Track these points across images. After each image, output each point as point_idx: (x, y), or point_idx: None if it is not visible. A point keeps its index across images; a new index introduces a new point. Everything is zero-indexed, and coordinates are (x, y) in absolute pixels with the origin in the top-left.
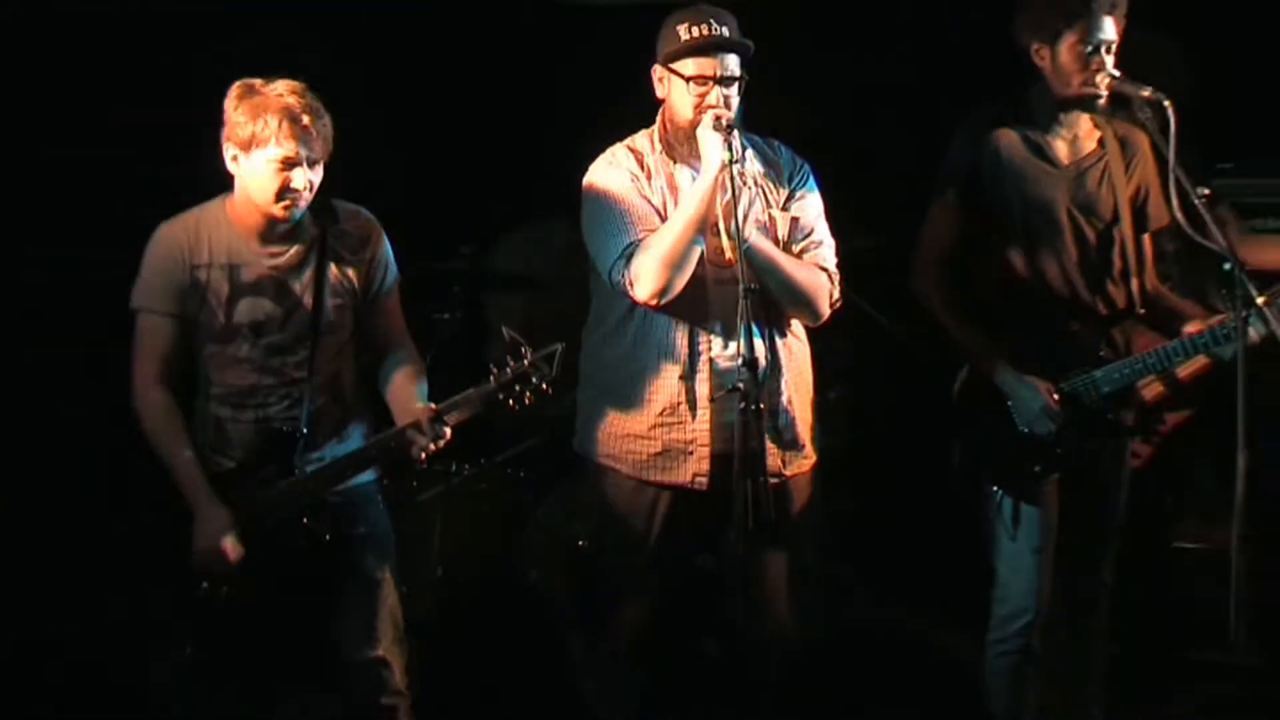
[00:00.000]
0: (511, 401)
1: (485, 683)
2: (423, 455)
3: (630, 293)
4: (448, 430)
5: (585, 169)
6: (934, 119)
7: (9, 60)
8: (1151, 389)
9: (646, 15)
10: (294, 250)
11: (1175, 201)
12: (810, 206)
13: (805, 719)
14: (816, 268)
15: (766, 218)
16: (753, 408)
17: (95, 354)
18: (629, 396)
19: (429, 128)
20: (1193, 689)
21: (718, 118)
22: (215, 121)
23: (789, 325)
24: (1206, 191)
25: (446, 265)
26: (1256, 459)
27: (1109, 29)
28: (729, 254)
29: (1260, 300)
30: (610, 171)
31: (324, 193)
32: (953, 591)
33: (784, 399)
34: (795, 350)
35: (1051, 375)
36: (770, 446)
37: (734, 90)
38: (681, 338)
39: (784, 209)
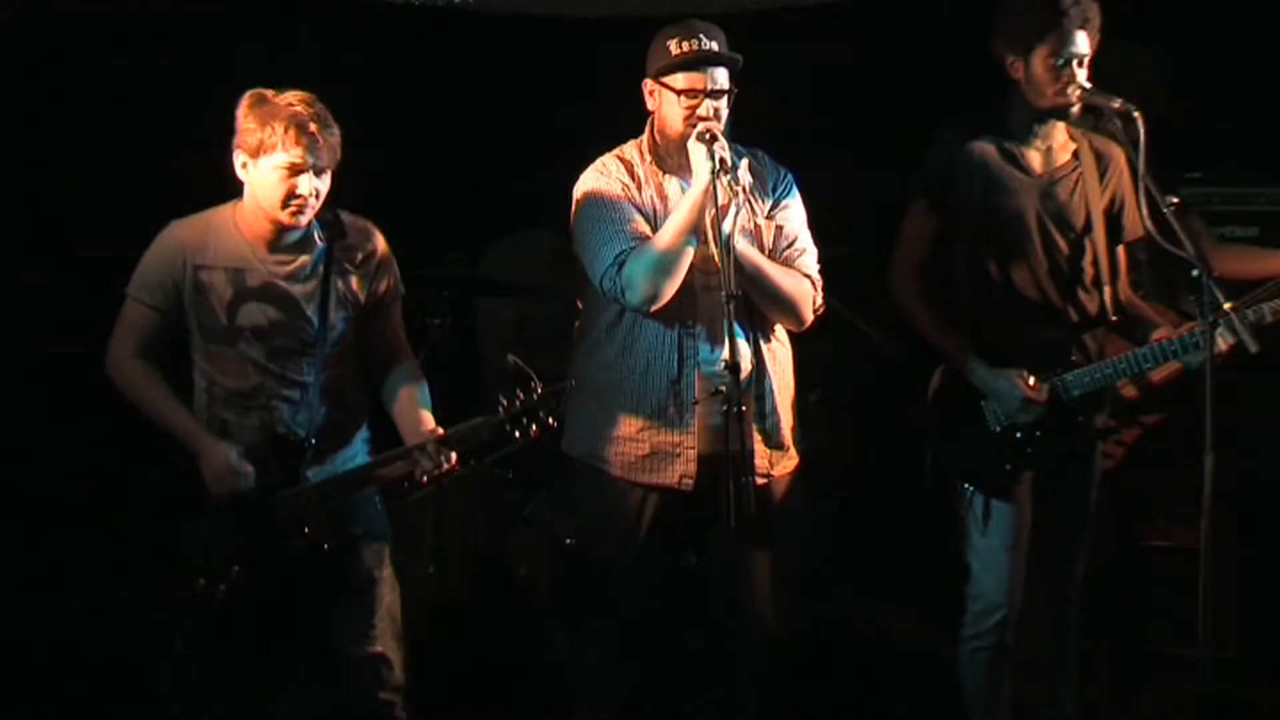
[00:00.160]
0: (518, 434)
1: (476, 678)
2: (425, 478)
3: (622, 300)
4: (454, 456)
5: (572, 178)
6: (912, 129)
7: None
8: (1126, 391)
9: (633, 29)
10: (300, 259)
11: (1145, 210)
12: (794, 215)
13: (787, 714)
14: (801, 275)
15: (753, 226)
16: (735, 410)
17: (95, 355)
18: (618, 399)
19: (419, 136)
20: (1163, 684)
21: (707, 130)
22: (218, 127)
23: (773, 330)
24: (1175, 200)
25: (436, 271)
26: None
27: (1081, 43)
28: (717, 262)
29: (1227, 306)
30: (601, 181)
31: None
32: (928, 589)
33: (770, 402)
34: (779, 355)
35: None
36: (758, 448)
37: (723, 102)
38: (670, 343)
39: (769, 217)
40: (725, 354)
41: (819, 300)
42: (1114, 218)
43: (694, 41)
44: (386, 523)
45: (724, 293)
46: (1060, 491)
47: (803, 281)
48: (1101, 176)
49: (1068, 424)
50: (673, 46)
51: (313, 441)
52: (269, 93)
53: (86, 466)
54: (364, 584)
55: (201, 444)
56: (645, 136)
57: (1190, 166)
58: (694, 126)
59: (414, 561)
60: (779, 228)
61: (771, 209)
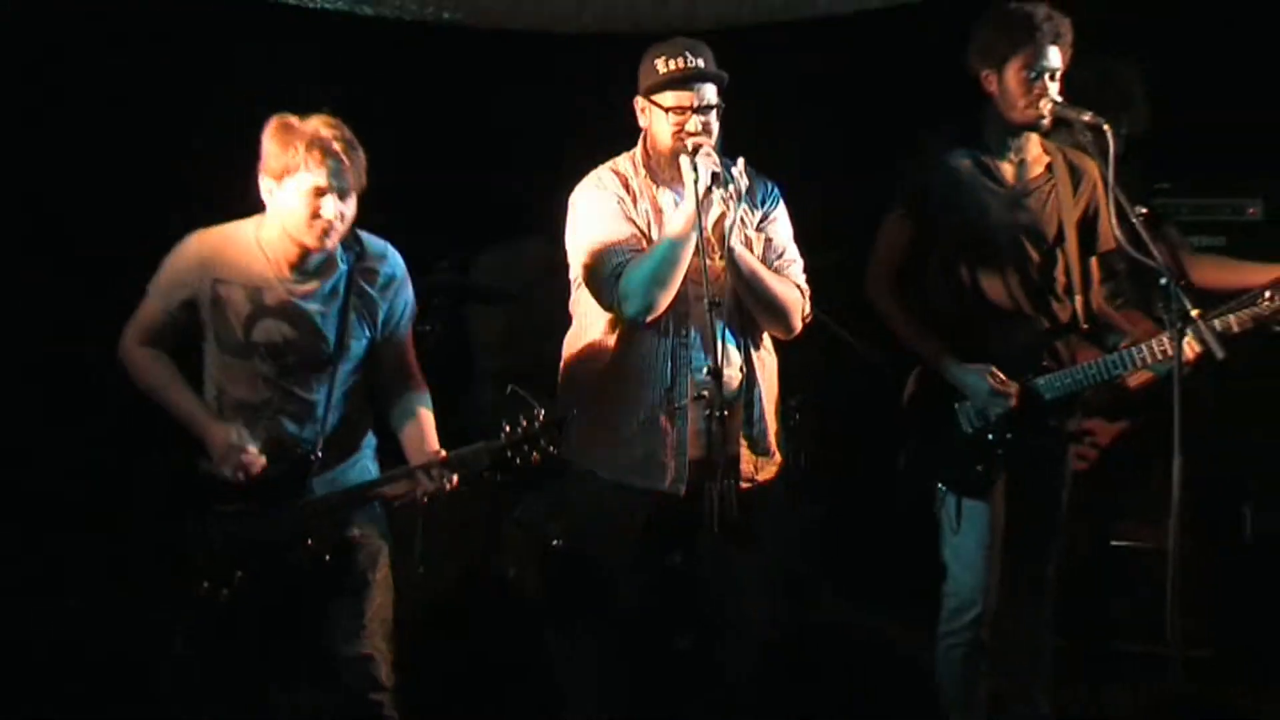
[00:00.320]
0: (519, 460)
1: (466, 677)
2: (425, 498)
3: (619, 310)
4: (455, 478)
5: (556, 188)
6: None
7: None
8: (1103, 395)
9: (618, 44)
10: (320, 280)
11: (1114, 220)
12: (782, 227)
13: (772, 713)
14: (792, 284)
15: (744, 238)
16: (717, 415)
17: (96, 355)
18: (613, 405)
19: (409, 147)
20: (1133, 680)
21: (697, 144)
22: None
23: (762, 339)
24: (1144, 210)
25: (428, 279)
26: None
27: (1053, 57)
28: (718, 263)
29: (1194, 314)
30: (597, 194)
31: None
32: (908, 590)
33: (758, 409)
34: (767, 363)
35: None
36: (745, 453)
37: (712, 117)
38: (664, 351)
39: (758, 229)
40: (710, 360)
41: (807, 309)
42: (1087, 229)
43: (680, 60)
44: (385, 525)
45: (706, 300)
46: (1032, 493)
47: (794, 290)
48: (1075, 189)
49: (1038, 427)
50: (660, 65)
51: (319, 454)
52: (293, 118)
53: (87, 466)
54: (358, 585)
55: (206, 425)
56: (638, 150)
57: (1159, 177)
58: (684, 142)
59: (405, 562)
60: (768, 239)
61: (760, 221)
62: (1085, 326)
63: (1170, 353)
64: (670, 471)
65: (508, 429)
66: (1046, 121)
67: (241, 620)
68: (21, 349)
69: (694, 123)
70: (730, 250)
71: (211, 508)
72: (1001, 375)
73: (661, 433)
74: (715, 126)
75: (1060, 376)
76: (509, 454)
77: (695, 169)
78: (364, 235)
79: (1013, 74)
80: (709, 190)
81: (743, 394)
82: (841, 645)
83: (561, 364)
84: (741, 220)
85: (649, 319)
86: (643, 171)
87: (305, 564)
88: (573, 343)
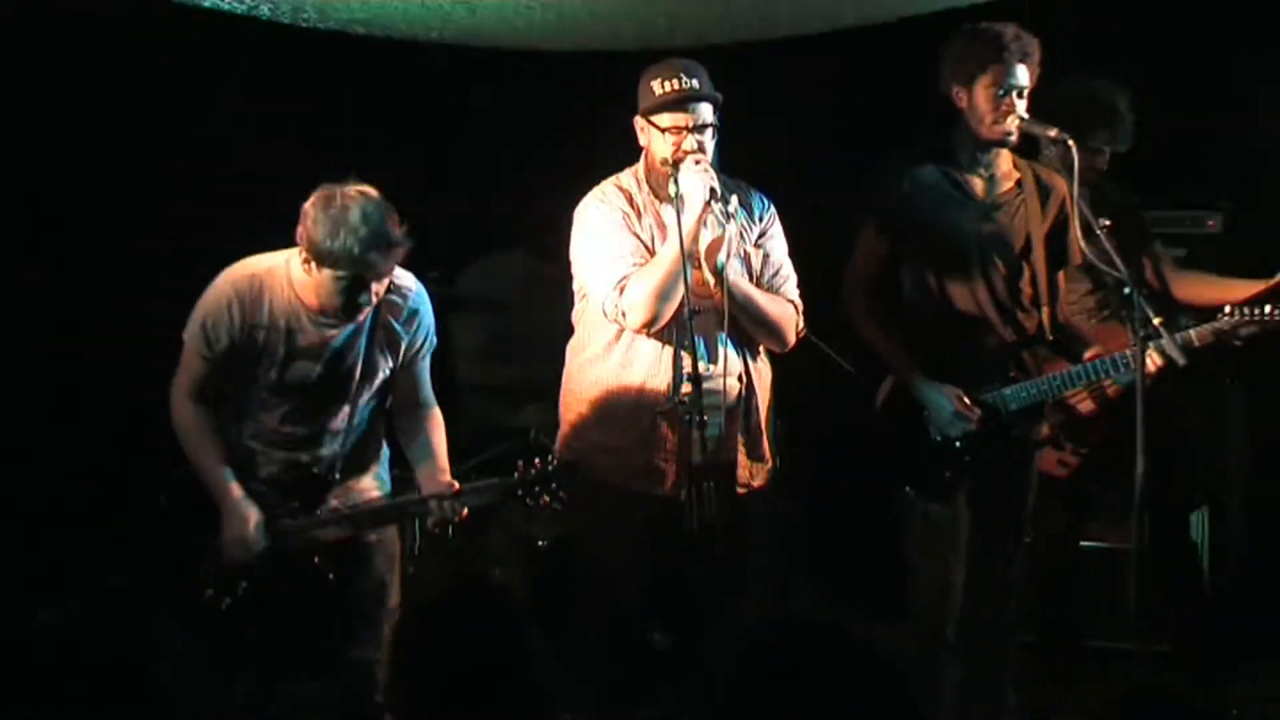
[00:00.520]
0: (529, 500)
1: (451, 675)
2: (435, 527)
3: (623, 322)
4: (465, 510)
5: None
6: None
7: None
8: (1084, 406)
9: (601, 62)
10: (347, 326)
11: (1078, 231)
12: (778, 243)
13: (745, 706)
14: (786, 300)
15: (743, 253)
16: (697, 419)
17: (98, 357)
18: (615, 413)
19: (401, 161)
20: (1099, 676)
21: (690, 159)
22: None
23: (759, 352)
24: (1108, 222)
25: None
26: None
27: (1021, 75)
28: (711, 286)
29: (1157, 322)
30: (603, 209)
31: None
32: (876, 586)
33: (755, 418)
34: (764, 374)
35: (964, 391)
36: (742, 459)
37: (708, 136)
38: (665, 360)
39: (756, 246)
40: (719, 369)
41: (801, 325)
42: (1055, 243)
43: (675, 81)
44: (395, 533)
45: (686, 309)
46: (998, 497)
47: (787, 306)
48: (1043, 204)
49: (1004, 435)
50: (656, 87)
51: (337, 476)
52: (338, 192)
53: (92, 469)
54: (375, 588)
55: (230, 506)
56: (640, 166)
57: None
58: (681, 160)
59: None
60: (765, 255)
61: (759, 237)
62: (1051, 338)
63: (1133, 364)
64: (670, 476)
65: (521, 468)
66: (1014, 138)
67: (244, 627)
68: (21, 350)
69: (690, 142)
70: (724, 276)
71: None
72: (967, 400)
73: (662, 439)
74: (711, 145)
75: (1026, 386)
76: (520, 492)
77: (678, 184)
78: (395, 271)
79: (982, 91)
80: (707, 204)
81: (741, 402)
82: (813, 641)
83: (565, 372)
84: (740, 235)
85: (653, 331)
86: (646, 187)
87: (310, 579)
88: (576, 351)
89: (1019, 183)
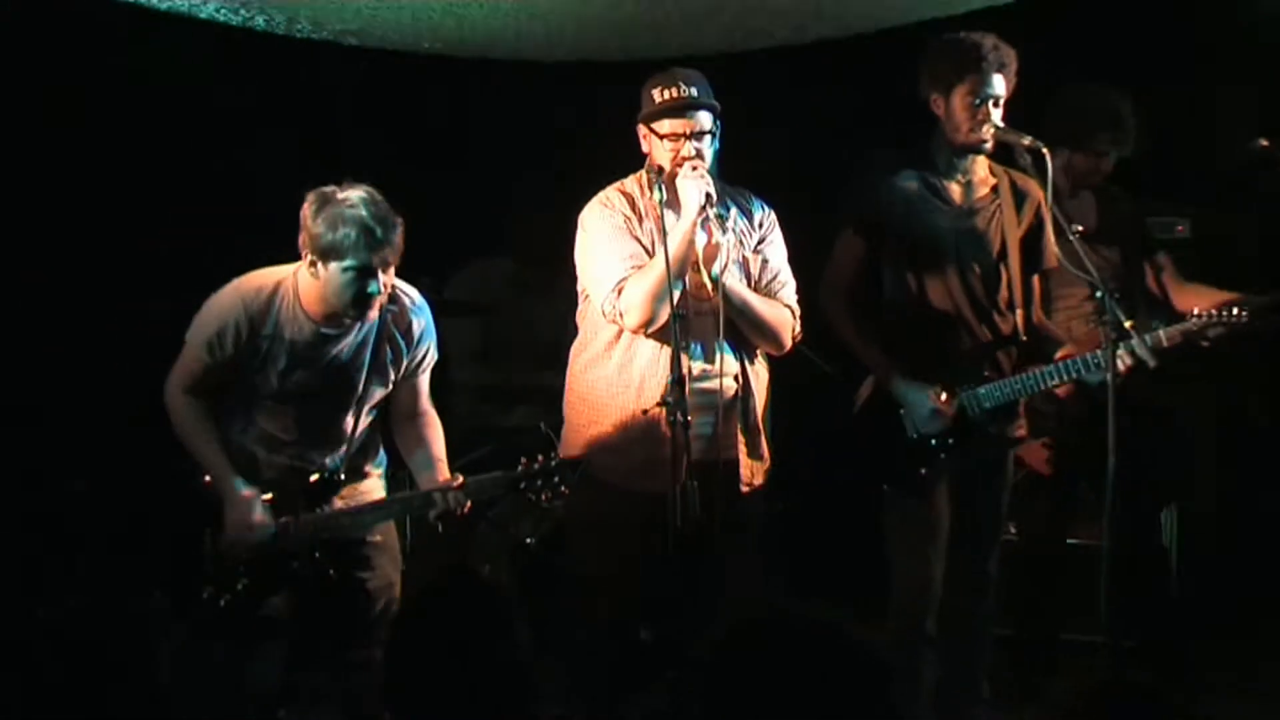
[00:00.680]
0: (531, 494)
1: (442, 668)
2: (437, 520)
3: (620, 323)
4: (468, 504)
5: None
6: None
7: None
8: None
9: (586, 72)
10: (355, 329)
11: (1053, 235)
12: (777, 250)
13: (728, 696)
14: (782, 305)
15: (742, 259)
16: (681, 420)
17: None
18: (615, 412)
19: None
20: (1071, 669)
21: (694, 168)
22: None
23: (757, 355)
24: (1080, 228)
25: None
26: None
27: (997, 84)
28: (710, 289)
29: (1128, 325)
30: (605, 212)
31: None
32: (857, 581)
33: (753, 418)
34: (761, 376)
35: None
36: (742, 459)
37: (705, 143)
38: (663, 361)
39: (755, 251)
40: (714, 369)
41: (798, 328)
42: (1030, 247)
43: (674, 89)
44: (395, 530)
45: (671, 311)
46: (974, 494)
47: (784, 312)
48: (1018, 209)
49: (979, 434)
50: (656, 95)
51: (342, 478)
52: (332, 192)
53: (92, 469)
54: (384, 586)
55: (230, 492)
56: (644, 173)
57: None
58: (680, 166)
59: None
60: (764, 261)
61: (757, 244)
62: (1025, 339)
63: (1104, 364)
64: (669, 474)
65: (525, 462)
66: (989, 145)
67: (242, 625)
68: (21, 350)
69: (688, 148)
70: (721, 282)
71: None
72: (944, 395)
73: (662, 438)
74: (709, 151)
75: (1000, 386)
76: (523, 485)
77: (662, 190)
78: (398, 283)
79: (959, 99)
80: (702, 209)
81: (738, 402)
82: (796, 635)
83: (568, 372)
84: (740, 241)
85: (650, 331)
86: (649, 193)
87: (311, 576)
88: (579, 351)
89: (995, 188)
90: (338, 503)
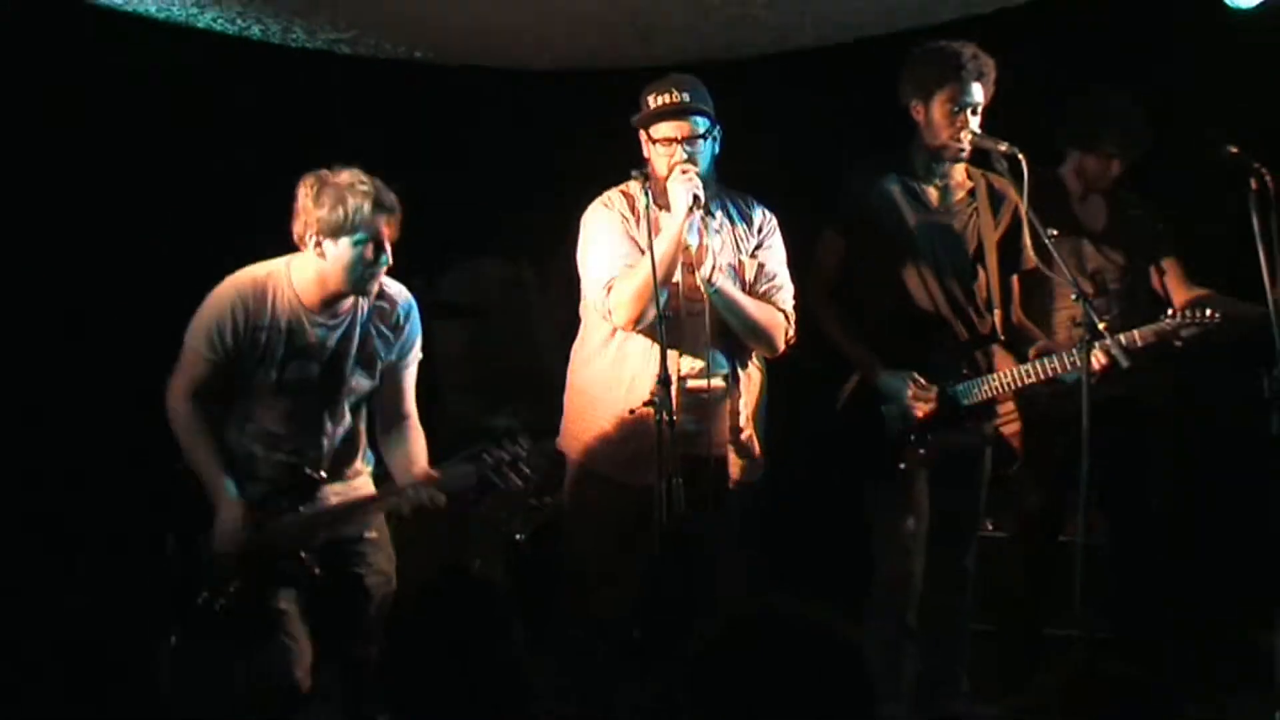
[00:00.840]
0: (501, 483)
1: (436, 663)
2: (412, 512)
3: (610, 320)
4: (442, 498)
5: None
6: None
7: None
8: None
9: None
10: (345, 320)
11: (1028, 239)
12: (775, 255)
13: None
14: (775, 308)
15: (737, 262)
16: (668, 419)
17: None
18: (607, 406)
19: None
20: (1048, 661)
21: (684, 171)
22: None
23: (750, 357)
24: (1054, 232)
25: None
26: None
27: (976, 92)
28: (701, 291)
29: (1102, 326)
30: (603, 212)
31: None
32: (838, 575)
33: (743, 417)
34: (754, 377)
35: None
36: (732, 456)
37: (699, 147)
38: (654, 358)
39: (752, 256)
40: (702, 370)
41: (791, 332)
42: (1007, 249)
43: (668, 95)
44: (387, 527)
45: (656, 313)
46: (953, 489)
47: (776, 314)
48: (995, 212)
49: (957, 429)
50: (651, 100)
51: (324, 475)
52: (327, 173)
53: (89, 472)
54: (382, 583)
55: (222, 501)
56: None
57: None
58: (672, 170)
59: None
60: (760, 265)
61: (755, 249)
62: (1003, 338)
63: (1079, 363)
64: (656, 467)
65: (493, 451)
66: (966, 151)
67: (239, 626)
68: (22, 349)
69: (679, 153)
70: (711, 281)
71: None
72: (923, 381)
73: (649, 432)
74: (704, 155)
75: (977, 383)
76: (493, 476)
77: (648, 194)
78: (386, 280)
79: (938, 106)
80: (690, 211)
81: (728, 402)
82: (779, 628)
83: (569, 365)
84: (736, 244)
85: (639, 328)
86: (639, 197)
87: (297, 575)
88: (579, 346)
89: (972, 191)
90: (332, 499)
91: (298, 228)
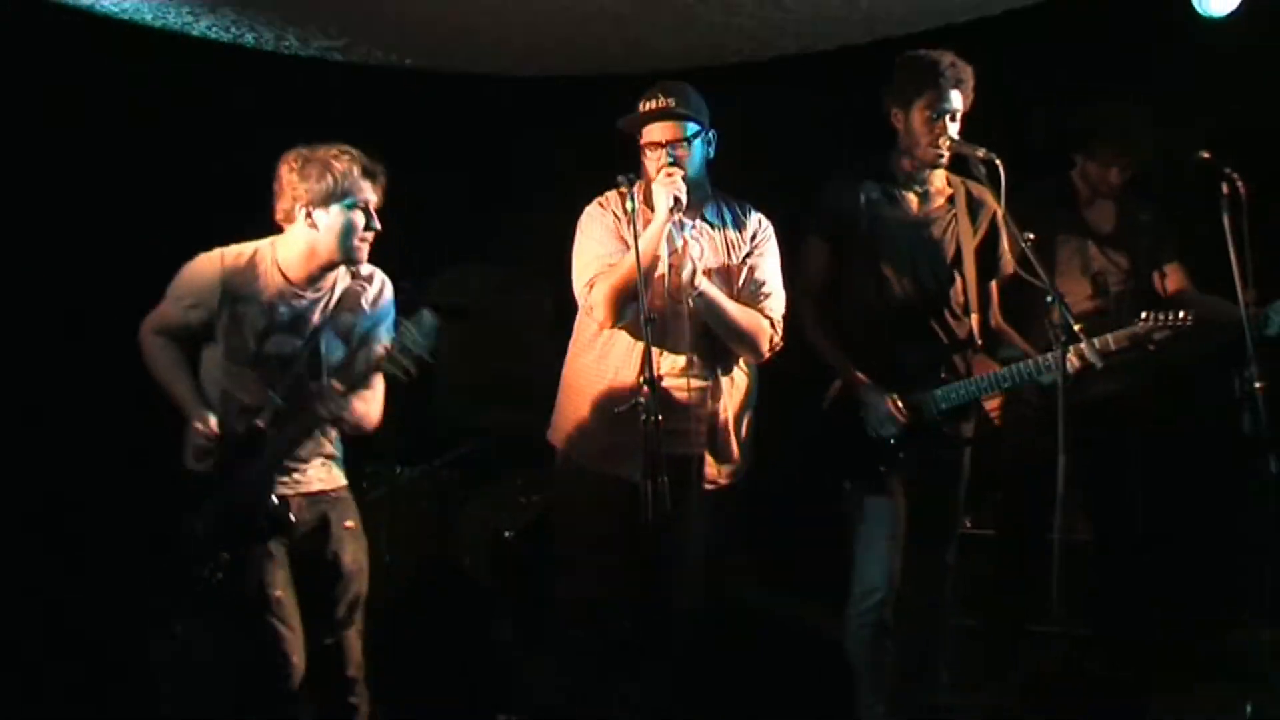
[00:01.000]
0: (396, 370)
1: (426, 657)
2: (329, 417)
3: (591, 317)
4: (353, 403)
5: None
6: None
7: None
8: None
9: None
10: (325, 295)
11: (1006, 245)
12: (767, 262)
13: (698, 684)
14: (759, 314)
15: (725, 267)
16: (653, 420)
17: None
18: (592, 400)
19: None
20: (1027, 657)
21: (668, 175)
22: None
23: (735, 360)
24: (1031, 236)
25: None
26: None
27: (954, 100)
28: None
29: (1077, 328)
30: (597, 212)
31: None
32: (819, 574)
33: (721, 419)
34: (738, 381)
35: (898, 391)
36: (707, 457)
37: (685, 151)
38: (636, 356)
39: (743, 261)
40: (684, 368)
41: (777, 339)
42: (985, 254)
43: (655, 101)
44: (359, 517)
45: (641, 316)
46: (931, 489)
47: (760, 320)
48: (974, 218)
49: (935, 432)
50: (641, 105)
51: (261, 425)
52: (308, 150)
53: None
54: (349, 574)
55: (191, 408)
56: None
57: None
58: (658, 173)
59: (372, 553)
60: (751, 270)
61: (747, 255)
62: (980, 342)
63: (1055, 366)
64: (633, 461)
65: (386, 345)
66: (945, 158)
67: (234, 601)
68: (21, 349)
69: (664, 155)
70: (693, 283)
71: (195, 504)
72: (900, 403)
73: (632, 427)
74: (693, 159)
75: (956, 387)
76: (389, 365)
77: (633, 199)
78: (371, 269)
79: (917, 114)
80: (671, 211)
81: (707, 403)
82: (763, 625)
83: (564, 361)
84: (728, 249)
85: (619, 325)
86: (641, 197)
87: (280, 521)
88: (572, 340)
89: (950, 198)
90: (290, 486)
91: (284, 204)
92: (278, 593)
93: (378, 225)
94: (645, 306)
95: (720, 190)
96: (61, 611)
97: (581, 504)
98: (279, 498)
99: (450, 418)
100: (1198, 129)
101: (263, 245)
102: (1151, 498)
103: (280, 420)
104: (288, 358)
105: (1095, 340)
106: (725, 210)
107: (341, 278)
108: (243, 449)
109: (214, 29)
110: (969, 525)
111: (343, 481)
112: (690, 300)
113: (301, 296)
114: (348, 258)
